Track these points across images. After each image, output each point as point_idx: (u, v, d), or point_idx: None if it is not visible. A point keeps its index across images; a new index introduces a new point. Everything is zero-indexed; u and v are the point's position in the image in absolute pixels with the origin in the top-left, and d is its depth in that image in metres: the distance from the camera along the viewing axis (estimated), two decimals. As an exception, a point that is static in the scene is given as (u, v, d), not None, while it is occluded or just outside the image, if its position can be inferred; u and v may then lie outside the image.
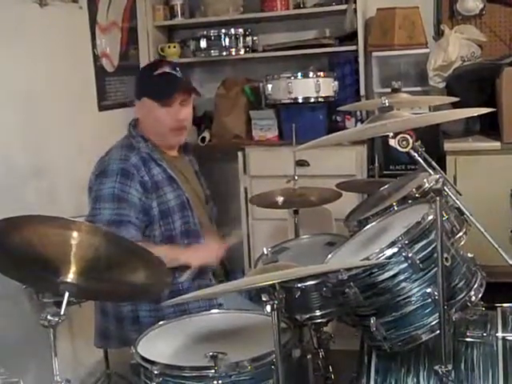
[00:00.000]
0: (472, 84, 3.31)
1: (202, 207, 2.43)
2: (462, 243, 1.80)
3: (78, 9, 3.16)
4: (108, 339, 2.35)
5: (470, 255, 1.82)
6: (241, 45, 3.83)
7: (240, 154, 3.71)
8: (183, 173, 2.39)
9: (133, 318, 2.25)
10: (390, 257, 1.69)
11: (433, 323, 1.68)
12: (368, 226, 2.06)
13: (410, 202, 2.03)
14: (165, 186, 2.27)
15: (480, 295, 1.76)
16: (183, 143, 2.46)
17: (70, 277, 1.62)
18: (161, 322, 1.98)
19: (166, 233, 2.25)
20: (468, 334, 1.86)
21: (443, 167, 3.08)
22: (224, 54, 3.83)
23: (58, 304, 1.62)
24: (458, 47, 3.42)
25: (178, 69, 2.32)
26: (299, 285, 2.05)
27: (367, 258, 1.71)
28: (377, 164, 2.96)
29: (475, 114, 1.81)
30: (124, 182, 2.19)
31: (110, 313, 2.30)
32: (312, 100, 3.51)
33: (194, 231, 2.31)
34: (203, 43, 3.83)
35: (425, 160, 1.80)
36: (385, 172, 3.32)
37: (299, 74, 3.51)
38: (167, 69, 2.30)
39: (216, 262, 2.30)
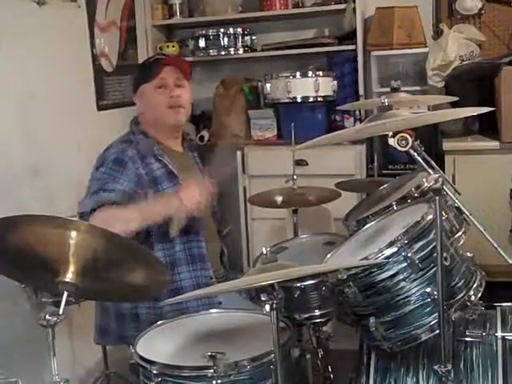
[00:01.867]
0: (471, 83, 3.31)
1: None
2: (462, 243, 1.79)
3: (77, 8, 3.15)
4: (107, 336, 2.36)
5: (469, 255, 1.82)
6: (239, 44, 3.83)
7: (239, 153, 3.71)
8: (187, 169, 2.38)
9: (132, 316, 2.24)
10: (389, 256, 1.68)
11: (432, 323, 1.68)
12: (367, 226, 2.05)
13: (409, 201, 2.02)
14: (163, 182, 2.26)
15: (479, 295, 1.76)
16: (188, 140, 2.48)
17: (69, 276, 1.61)
18: (159, 322, 1.98)
19: (162, 228, 2.23)
20: (467, 333, 1.85)
21: (442, 167, 3.08)
22: (223, 53, 3.83)
23: (57, 304, 1.62)
24: (457, 46, 3.42)
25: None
26: (298, 284, 2.05)
27: (366, 258, 1.71)
28: (376, 163, 2.96)
29: (474, 114, 1.81)
30: (115, 169, 2.18)
31: (110, 309, 2.30)
32: (311, 99, 3.51)
33: (194, 228, 2.31)
34: (202, 42, 3.83)
35: (424, 159, 1.80)
36: (384, 171, 3.32)
37: (298, 73, 3.51)
38: (160, 56, 2.40)
39: (206, 201, 2.15)
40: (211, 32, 3.81)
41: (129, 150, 2.25)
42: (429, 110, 3.22)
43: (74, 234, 1.58)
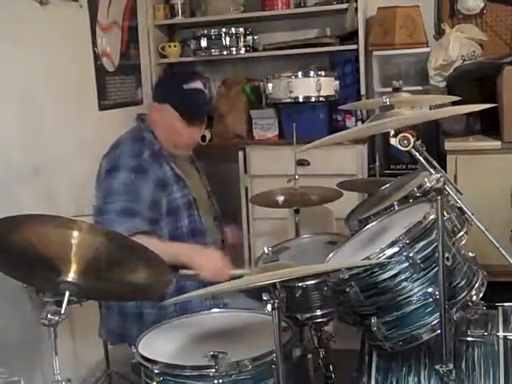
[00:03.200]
0: (472, 83, 3.31)
1: (206, 207, 2.43)
2: (463, 242, 1.79)
3: (79, 8, 3.15)
4: (110, 334, 2.37)
5: (471, 254, 1.81)
6: (241, 44, 3.83)
7: (241, 153, 3.71)
8: (188, 173, 2.39)
9: (136, 315, 2.25)
10: (391, 256, 1.68)
11: (434, 323, 1.68)
12: (369, 226, 2.05)
13: (410, 201, 2.03)
14: (173, 184, 2.27)
15: (481, 295, 1.76)
16: None
17: (71, 276, 1.62)
18: (161, 322, 1.98)
19: (173, 231, 2.24)
20: (469, 333, 1.86)
21: (444, 167, 3.07)
22: (224, 53, 3.83)
23: (59, 303, 1.62)
24: (459, 46, 3.42)
25: (206, 84, 2.34)
26: (300, 284, 2.05)
27: (368, 258, 1.71)
28: (377, 163, 2.96)
29: (476, 113, 1.81)
30: (137, 178, 2.17)
31: (115, 308, 2.31)
32: (313, 99, 3.51)
33: (200, 230, 2.32)
34: (204, 42, 3.83)
35: (426, 159, 1.80)
36: (385, 171, 3.31)
37: (300, 73, 3.51)
38: (200, 85, 2.30)
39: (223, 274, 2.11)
40: (213, 32, 3.81)
41: (145, 151, 2.23)
42: (430, 109, 3.22)
43: (75, 233, 1.59)
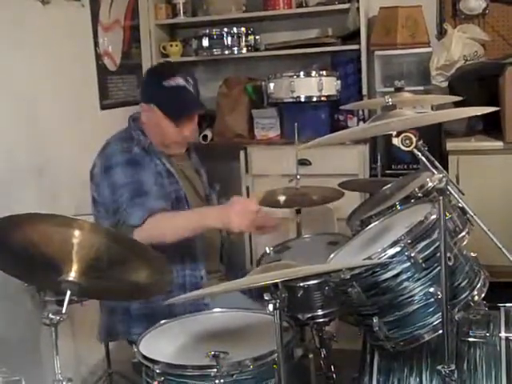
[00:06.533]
0: (475, 83, 3.30)
1: (199, 206, 2.41)
2: (465, 243, 1.78)
3: (81, 7, 3.16)
4: (102, 331, 2.37)
5: (472, 255, 1.81)
6: (243, 43, 3.83)
7: (242, 152, 3.71)
8: (182, 169, 2.37)
9: (123, 310, 2.24)
10: (393, 256, 1.68)
11: (435, 323, 1.67)
12: (370, 226, 2.05)
13: (412, 201, 2.02)
14: (164, 178, 2.25)
15: (483, 295, 1.75)
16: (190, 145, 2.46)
17: (72, 275, 1.62)
18: (162, 321, 1.98)
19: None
20: (471, 333, 1.85)
21: (445, 167, 3.07)
22: (226, 52, 3.83)
23: (60, 302, 1.62)
24: (461, 46, 3.42)
25: (189, 79, 2.25)
26: (301, 284, 2.05)
27: (370, 258, 1.70)
28: (379, 163, 2.96)
29: (478, 114, 1.80)
30: (132, 170, 2.16)
31: (105, 305, 2.31)
32: (314, 99, 3.51)
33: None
34: (205, 42, 3.83)
35: (428, 159, 1.79)
36: (387, 171, 3.31)
37: (302, 72, 3.51)
38: (180, 81, 2.23)
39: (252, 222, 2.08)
40: (215, 31, 3.81)
41: (134, 148, 2.23)
42: (432, 109, 3.21)
43: (77, 232, 1.58)
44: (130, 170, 2.16)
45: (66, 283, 1.62)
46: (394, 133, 1.67)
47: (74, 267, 1.61)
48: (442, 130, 3.37)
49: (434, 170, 1.78)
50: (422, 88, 3.49)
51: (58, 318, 1.58)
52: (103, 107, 3.36)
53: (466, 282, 1.74)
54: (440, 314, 1.64)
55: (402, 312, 1.70)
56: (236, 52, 3.83)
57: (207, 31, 3.83)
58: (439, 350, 1.68)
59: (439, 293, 1.63)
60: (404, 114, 1.79)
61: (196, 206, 2.35)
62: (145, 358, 1.75)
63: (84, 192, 2.34)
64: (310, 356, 2.22)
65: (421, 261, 1.68)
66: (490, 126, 3.29)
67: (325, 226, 3.24)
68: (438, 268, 1.63)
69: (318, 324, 2.23)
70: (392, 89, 3.39)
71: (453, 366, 1.63)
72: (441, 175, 1.62)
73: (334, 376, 2.39)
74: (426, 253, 1.69)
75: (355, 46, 3.65)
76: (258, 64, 4.01)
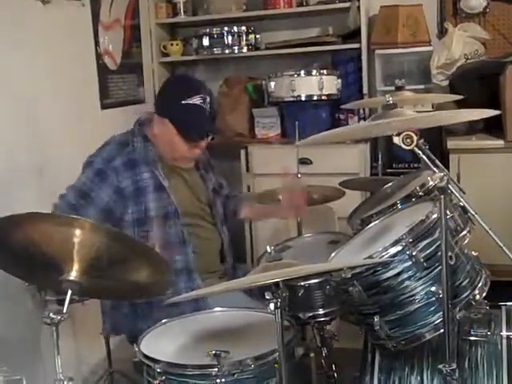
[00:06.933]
0: (475, 82, 3.30)
1: (200, 215, 2.39)
2: (466, 242, 1.78)
3: (81, 6, 3.15)
4: (105, 323, 2.40)
5: (474, 254, 1.81)
6: (243, 43, 3.82)
7: (243, 152, 3.71)
8: (184, 176, 2.36)
9: (129, 304, 2.24)
10: (394, 255, 1.68)
11: (437, 322, 1.67)
12: (371, 225, 2.05)
13: (413, 200, 2.02)
14: (149, 194, 2.22)
15: (484, 294, 1.75)
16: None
17: (73, 275, 1.61)
18: (164, 320, 1.98)
19: (143, 240, 2.17)
20: (472, 332, 1.85)
21: (447, 165, 3.07)
22: (227, 51, 3.83)
23: (61, 302, 1.62)
24: (462, 45, 3.41)
25: (207, 98, 2.22)
26: (302, 283, 2.05)
27: (371, 257, 1.70)
28: (380, 162, 2.96)
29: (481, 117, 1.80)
30: (95, 182, 2.19)
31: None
32: (315, 98, 3.50)
33: (175, 243, 2.25)
34: (206, 41, 3.83)
35: (429, 158, 1.79)
36: (388, 170, 3.31)
37: (302, 71, 3.50)
38: (198, 100, 2.20)
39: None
40: (215, 30, 3.81)
41: (117, 159, 2.21)
42: (433, 108, 3.21)
43: (78, 232, 1.58)
44: (92, 180, 2.20)
45: (66, 282, 1.61)
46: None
47: (75, 266, 1.61)
48: (442, 129, 3.36)
49: (434, 169, 1.78)
50: (422, 87, 3.49)
51: (58, 317, 1.57)
52: (104, 107, 3.35)
53: (467, 281, 1.74)
54: (441, 312, 1.64)
55: (404, 311, 1.70)
56: (236, 51, 3.83)
57: (207, 30, 3.82)
58: (440, 348, 1.68)
59: (440, 292, 1.63)
60: (404, 113, 1.79)
61: (196, 213, 2.35)
62: (146, 357, 1.75)
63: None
64: (311, 355, 2.22)
65: (422, 260, 1.68)
66: (491, 125, 3.29)
67: (326, 225, 3.23)
68: (440, 267, 1.63)
69: (319, 323, 2.23)
70: (393, 88, 3.38)
71: (454, 365, 1.63)
72: (442, 174, 1.62)
73: (335, 375, 2.39)
74: (428, 252, 1.69)
75: (356, 45, 3.64)
76: (258, 63, 4.00)
